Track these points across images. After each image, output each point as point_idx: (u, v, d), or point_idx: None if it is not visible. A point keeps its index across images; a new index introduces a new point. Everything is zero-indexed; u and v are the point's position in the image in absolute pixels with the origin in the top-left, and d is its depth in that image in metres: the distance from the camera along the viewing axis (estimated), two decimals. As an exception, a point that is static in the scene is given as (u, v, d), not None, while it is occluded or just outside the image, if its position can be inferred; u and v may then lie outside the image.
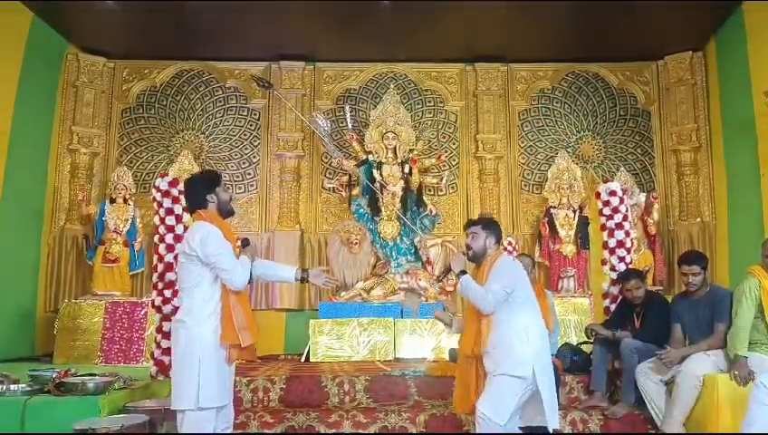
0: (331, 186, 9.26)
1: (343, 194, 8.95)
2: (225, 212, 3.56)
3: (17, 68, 8.04)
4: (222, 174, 3.87)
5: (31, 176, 8.52)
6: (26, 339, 8.21)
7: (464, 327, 3.97)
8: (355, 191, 8.79)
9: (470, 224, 4.02)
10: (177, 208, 5.51)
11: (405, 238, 8.57)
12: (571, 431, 4.81)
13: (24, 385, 4.45)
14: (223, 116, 9.79)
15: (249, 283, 3.47)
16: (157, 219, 5.59)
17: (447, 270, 3.99)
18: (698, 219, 9.16)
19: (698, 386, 4.38)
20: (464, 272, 3.81)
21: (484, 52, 9.61)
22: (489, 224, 3.97)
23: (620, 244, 5.76)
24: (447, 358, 6.27)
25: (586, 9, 8.17)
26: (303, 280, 3.67)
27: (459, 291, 3.80)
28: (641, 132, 9.81)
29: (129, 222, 8.54)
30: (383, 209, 8.56)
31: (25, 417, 4.10)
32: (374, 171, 8.64)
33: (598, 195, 5.93)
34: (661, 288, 8.36)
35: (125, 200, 8.61)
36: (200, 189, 3.55)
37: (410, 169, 8.71)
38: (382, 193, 8.56)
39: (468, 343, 3.78)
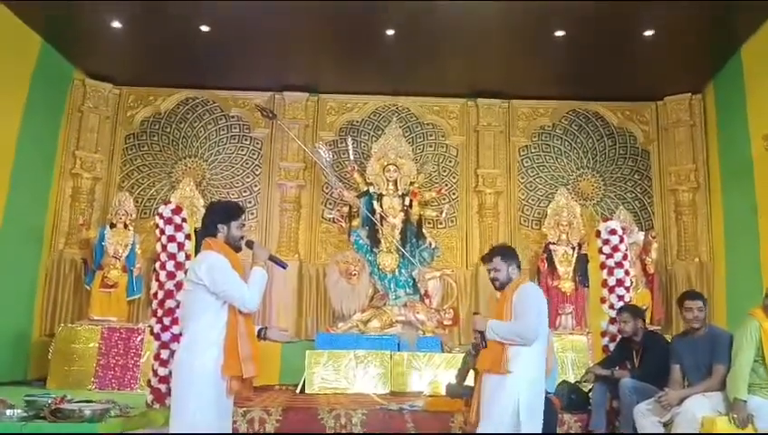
0: (331, 216, 9.27)
1: (343, 225, 8.96)
2: (232, 248, 3.53)
3: (24, 91, 8.13)
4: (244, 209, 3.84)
5: (32, 199, 8.54)
6: (20, 363, 8.16)
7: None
8: (355, 222, 8.81)
9: (488, 259, 4.05)
10: (180, 236, 5.50)
11: (404, 270, 8.58)
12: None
13: (19, 410, 4.41)
14: (225, 144, 9.87)
15: None
16: (159, 246, 5.58)
17: (482, 338, 3.84)
18: (696, 259, 9.20)
19: (697, 428, 4.36)
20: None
21: (486, 88, 9.74)
22: (506, 253, 4.03)
23: (620, 282, 5.77)
24: (444, 393, 6.24)
25: (587, 49, 8.33)
26: (260, 336, 3.62)
27: (494, 337, 3.73)
28: (640, 171, 9.89)
29: (129, 248, 8.55)
30: (382, 241, 8.58)
31: (21, 443, 4.06)
32: (374, 203, 8.69)
33: (598, 233, 5.96)
34: (659, 328, 8.34)
35: (125, 226, 8.64)
36: (215, 217, 3.55)
37: (410, 201, 8.76)
38: (382, 225, 8.59)
39: (485, 361, 3.81)
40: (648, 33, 7.96)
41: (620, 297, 5.75)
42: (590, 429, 5.08)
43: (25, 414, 4.35)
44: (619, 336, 5.46)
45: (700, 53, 8.47)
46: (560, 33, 8.06)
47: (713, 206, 9.28)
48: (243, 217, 3.66)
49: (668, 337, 5.41)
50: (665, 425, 4.59)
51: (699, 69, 9.05)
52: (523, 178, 9.92)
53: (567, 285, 8.66)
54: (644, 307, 8.13)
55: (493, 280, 3.99)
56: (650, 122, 9.99)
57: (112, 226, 8.63)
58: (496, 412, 3.64)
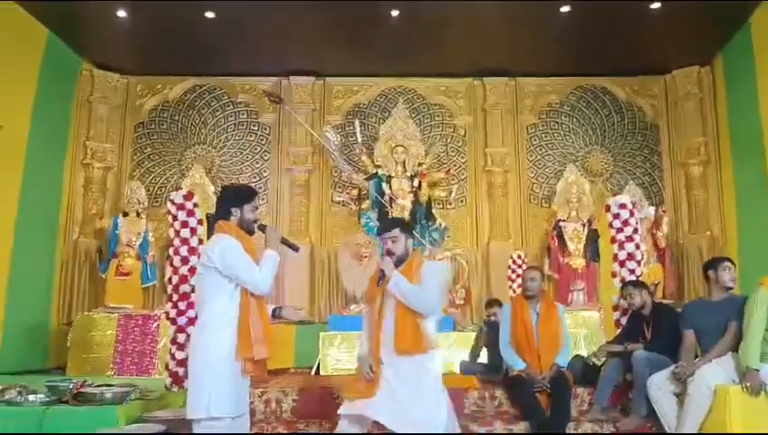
0: (341, 199, 9.30)
1: (353, 208, 9.01)
2: (245, 231, 3.57)
3: (33, 84, 8.19)
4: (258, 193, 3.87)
5: (45, 190, 8.62)
6: (39, 352, 8.27)
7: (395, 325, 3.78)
8: (364, 205, 8.85)
9: (388, 228, 3.99)
10: (192, 221, 5.56)
11: (414, 252, 8.58)
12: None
13: (41, 395, 4.50)
14: (234, 130, 9.91)
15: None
16: (171, 232, 5.63)
17: (382, 275, 3.86)
18: (707, 233, 9.16)
19: (710, 396, 4.37)
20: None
21: (492, 66, 9.69)
22: (406, 226, 4.10)
23: (630, 257, 5.77)
24: (457, 371, 6.30)
25: (593, 24, 8.27)
26: (275, 315, 3.68)
27: (395, 291, 3.72)
28: (650, 146, 9.85)
29: (142, 236, 8.65)
30: (392, 223, 8.58)
31: (44, 427, 4.14)
32: (383, 185, 8.71)
33: (607, 208, 5.96)
34: (671, 301, 8.34)
35: (138, 214, 8.73)
36: (228, 200, 3.59)
37: (419, 182, 8.77)
38: (391, 206, 8.61)
39: (404, 340, 3.69)
40: (655, 5, 7.89)
41: (632, 271, 5.75)
42: (593, 402, 5.11)
43: (48, 399, 4.44)
44: (630, 310, 5.48)
45: (708, 24, 8.37)
46: (565, 9, 8.01)
47: (723, 179, 9.22)
48: (255, 201, 3.69)
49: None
50: (678, 395, 4.61)
51: (707, 40, 8.96)
52: (531, 156, 9.91)
53: (578, 262, 8.67)
54: (656, 282, 8.20)
55: (389, 252, 3.88)
56: (659, 96, 9.94)
57: (125, 214, 8.73)
58: (428, 394, 3.72)
